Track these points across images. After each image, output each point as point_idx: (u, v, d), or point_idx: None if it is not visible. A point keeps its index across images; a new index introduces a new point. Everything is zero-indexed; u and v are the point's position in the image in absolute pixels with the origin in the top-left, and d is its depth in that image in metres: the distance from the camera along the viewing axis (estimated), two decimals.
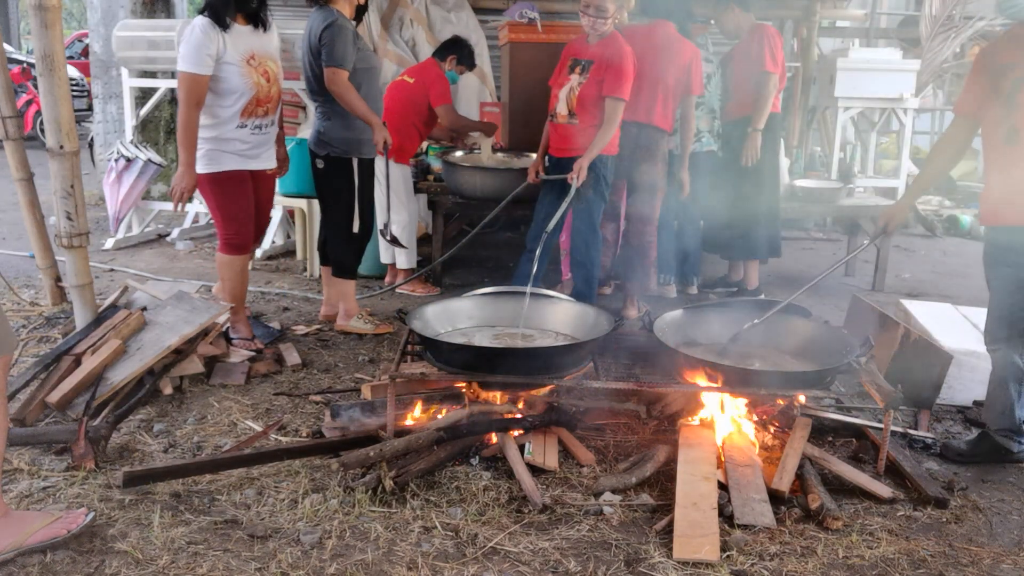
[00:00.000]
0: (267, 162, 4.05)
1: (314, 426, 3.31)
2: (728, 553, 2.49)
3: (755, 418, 3.28)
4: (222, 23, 3.66)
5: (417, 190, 5.46)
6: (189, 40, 3.64)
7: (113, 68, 7.61)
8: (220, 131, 3.78)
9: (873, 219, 5.83)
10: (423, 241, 5.82)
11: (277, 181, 5.64)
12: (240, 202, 3.91)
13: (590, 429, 3.31)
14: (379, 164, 4.45)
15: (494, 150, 5.66)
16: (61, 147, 3.87)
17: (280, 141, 4.17)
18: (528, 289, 3.69)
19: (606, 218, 4.83)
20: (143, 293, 4.01)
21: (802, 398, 3.29)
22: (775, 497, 2.78)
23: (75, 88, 12.24)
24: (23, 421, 3.20)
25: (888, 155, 9.45)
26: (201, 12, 3.70)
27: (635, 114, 4.61)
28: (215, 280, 5.45)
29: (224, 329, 3.93)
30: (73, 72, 12.45)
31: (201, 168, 3.79)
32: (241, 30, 3.76)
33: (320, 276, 4.97)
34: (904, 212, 3.50)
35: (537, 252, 4.07)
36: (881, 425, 3.13)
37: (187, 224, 6.81)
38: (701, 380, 3.22)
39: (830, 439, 3.37)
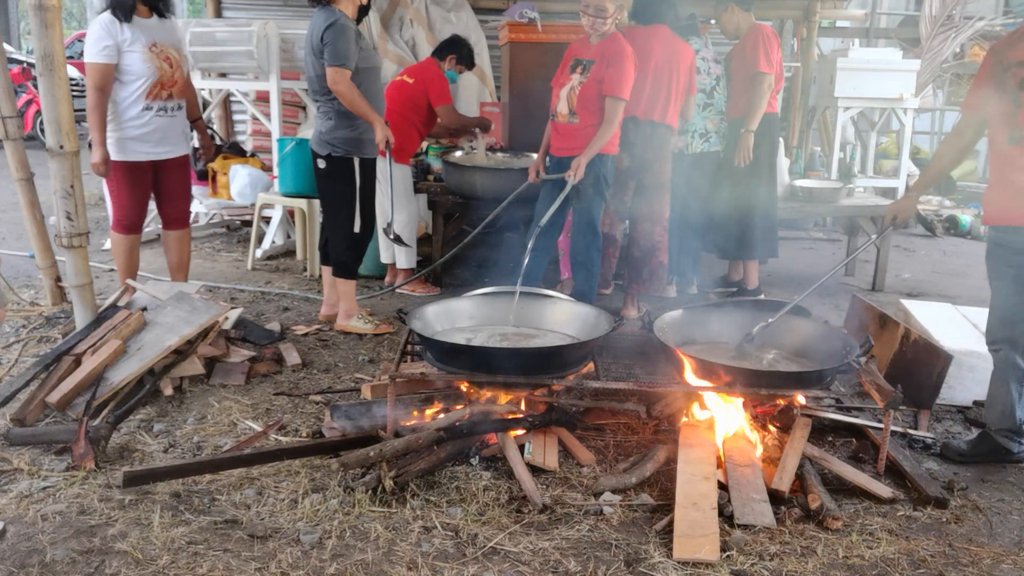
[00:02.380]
0: (175, 150, 4.36)
1: (314, 426, 3.31)
2: (728, 553, 2.49)
3: (756, 418, 3.28)
4: (126, 16, 4.06)
5: (417, 190, 5.46)
6: (91, 34, 4.08)
7: None
8: (128, 114, 4.14)
9: (874, 219, 5.84)
10: (423, 241, 5.82)
11: (276, 181, 5.66)
12: (136, 192, 4.30)
13: (590, 429, 3.31)
14: (381, 164, 4.45)
15: (494, 150, 5.66)
16: (61, 147, 3.87)
17: (201, 130, 4.63)
18: (518, 288, 3.69)
19: (617, 218, 4.82)
20: (143, 293, 4.01)
21: (802, 398, 3.30)
22: (775, 497, 2.78)
23: (75, 88, 12.20)
24: (23, 421, 3.20)
25: (888, 155, 9.46)
26: (105, 9, 4.10)
27: (650, 113, 4.64)
28: (215, 280, 5.48)
29: (223, 329, 3.94)
30: (73, 72, 12.42)
31: (110, 154, 4.14)
32: (144, 22, 4.14)
33: (320, 276, 4.97)
34: (912, 206, 3.46)
35: (529, 246, 4.07)
36: (881, 425, 3.13)
37: None
38: (701, 380, 3.22)
39: (830, 439, 3.37)
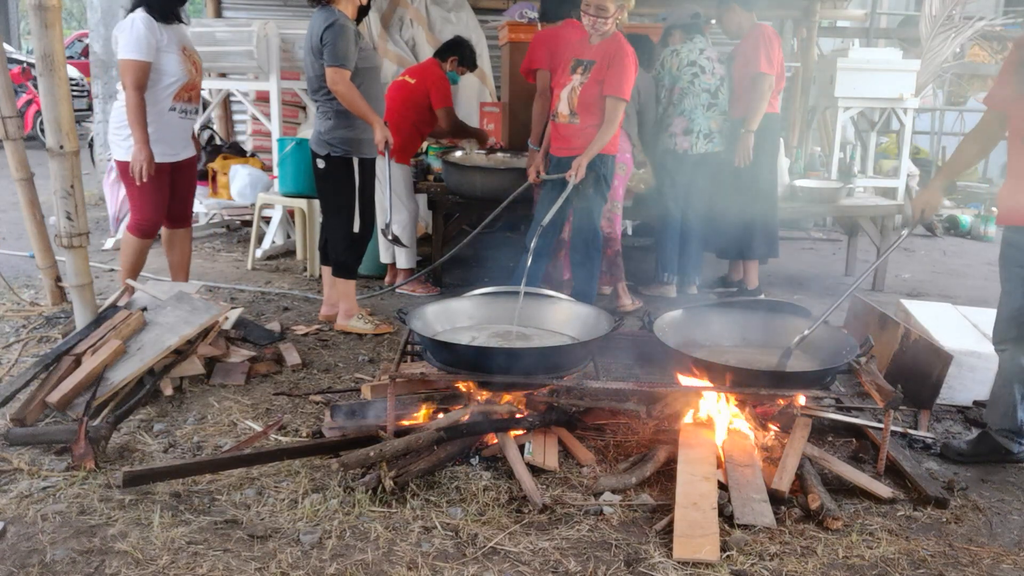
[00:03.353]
0: (186, 152, 4.41)
1: (314, 426, 3.31)
2: (728, 553, 2.49)
3: (756, 418, 3.28)
4: (165, 18, 4.08)
5: (417, 190, 5.46)
6: (131, 31, 3.99)
7: (113, 68, 7.60)
8: (153, 117, 4.09)
9: (874, 219, 5.84)
10: (423, 241, 5.82)
11: (276, 181, 5.67)
12: (158, 194, 4.24)
13: (590, 429, 3.31)
14: (380, 164, 4.45)
15: (493, 150, 5.66)
16: (61, 147, 3.87)
17: (192, 135, 4.55)
18: (522, 289, 3.69)
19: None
20: (143, 293, 4.01)
21: (802, 398, 3.29)
22: (775, 497, 2.78)
23: (75, 88, 12.25)
24: (23, 421, 3.19)
25: (888, 155, 9.45)
26: (136, 7, 4.04)
27: None
28: (215, 280, 5.48)
29: (223, 329, 3.94)
30: (73, 72, 12.44)
31: (129, 155, 4.07)
32: (173, 25, 4.17)
33: (320, 276, 4.97)
34: (938, 198, 3.31)
35: (532, 246, 4.07)
36: (881, 425, 3.13)
37: None
38: (701, 380, 3.22)
39: (830, 439, 3.37)
